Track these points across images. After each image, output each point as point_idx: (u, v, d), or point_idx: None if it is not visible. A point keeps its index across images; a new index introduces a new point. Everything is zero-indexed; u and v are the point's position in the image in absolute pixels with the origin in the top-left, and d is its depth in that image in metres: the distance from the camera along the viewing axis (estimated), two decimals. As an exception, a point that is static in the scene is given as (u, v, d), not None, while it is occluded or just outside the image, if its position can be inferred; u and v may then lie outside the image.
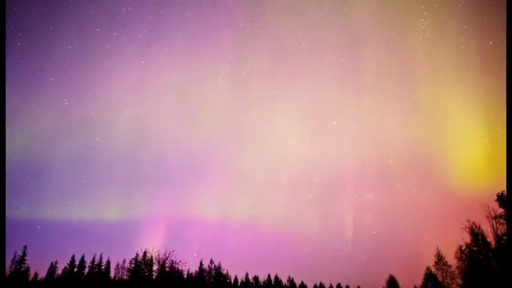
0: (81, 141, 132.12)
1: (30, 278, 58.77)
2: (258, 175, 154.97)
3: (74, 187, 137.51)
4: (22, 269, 56.11)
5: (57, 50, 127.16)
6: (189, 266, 79.66)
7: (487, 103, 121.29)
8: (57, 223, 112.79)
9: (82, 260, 60.23)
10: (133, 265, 56.89)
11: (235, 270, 78.03)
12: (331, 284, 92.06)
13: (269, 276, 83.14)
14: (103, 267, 61.92)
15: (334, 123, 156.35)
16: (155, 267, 54.46)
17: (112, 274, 63.27)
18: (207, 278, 67.42)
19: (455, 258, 44.58)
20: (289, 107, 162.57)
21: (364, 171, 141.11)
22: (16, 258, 55.59)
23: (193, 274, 67.77)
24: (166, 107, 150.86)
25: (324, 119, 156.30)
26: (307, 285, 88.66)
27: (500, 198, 36.33)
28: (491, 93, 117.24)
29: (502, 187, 37.17)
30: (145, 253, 55.93)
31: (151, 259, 54.88)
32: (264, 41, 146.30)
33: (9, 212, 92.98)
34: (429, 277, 57.03)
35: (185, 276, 66.34)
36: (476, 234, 40.54)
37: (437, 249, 53.94)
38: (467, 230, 41.25)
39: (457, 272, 47.72)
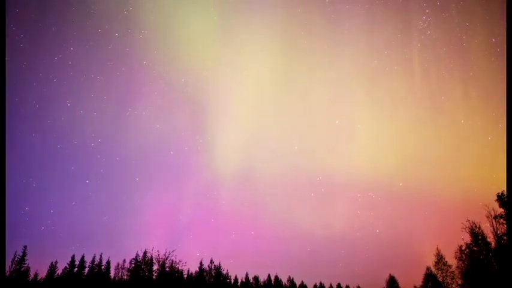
0: (83, 142, 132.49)
1: (30, 278, 58.78)
2: (260, 175, 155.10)
3: (76, 188, 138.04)
4: (22, 269, 56.10)
5: (59, 51, 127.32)
6: (189, 266, 79.86)
7: (489, 100, 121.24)
8: (59, 223, 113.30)
9: (82, 260, 60.17)
10: (133, 265, 56.90)
11: (236, 270, 78.15)
12: (331, 284, 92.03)
13: (269, 276, 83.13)
14: (103, 267, 61.87)
15: (337, 122, 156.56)
16: (155, 267, 54.49)
17: (112, 274, 63.31)
18: (207, 278, 67.38)
19: (455, 258, 44.67)
20: (290, 106, 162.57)
21: (366, 170, 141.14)
22: (16, 258, 55.61)
23: (193, 274, 67.75)
24: (168, 107, 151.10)
25: (325, 118, 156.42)
26: (307, 285, 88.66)
27: (500, 198, 36.20)
28: (494, 90, 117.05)
29: (503, 186, 37.16)
30: (145, 253, 56.02)
31: (151, 259, 54.91)
32: (261, 44, 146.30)
33: (13, 213, 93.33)
34: (429, 277, 57.00)
35: (185, 276, 66.31)
36: (476, 234, 40.45)
37: (437, 249, 54.00)
38: (467, 230, 41.18)
39: (457, 272, 47.75)
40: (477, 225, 40.73)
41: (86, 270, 60.16)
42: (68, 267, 59.35)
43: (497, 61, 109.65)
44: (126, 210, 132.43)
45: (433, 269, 54.94)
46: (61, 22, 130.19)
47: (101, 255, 62.42)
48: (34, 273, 60.02)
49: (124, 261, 65.48)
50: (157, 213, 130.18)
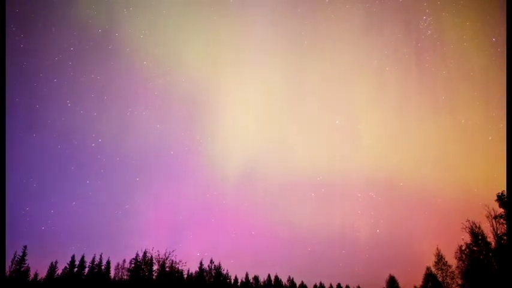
0: (83, 142, 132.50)
1: (30, 278, 58.76)
2: (260, 175, 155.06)
3: (76, 188, 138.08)
4: (22, 269, 56.10)
5: (59, 52, 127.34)
6: (189, 266, 79.74)
7: (489, 100, 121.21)
8: (60, 223, 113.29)
9: (82, 260, 60.16)
10: (133, 265, 56.90)
11: (236, 270, 78.09)
12: (331, 284, 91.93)
13: (269, 276, 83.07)
14: (103, 267, 61.86)
15: (337, 122, 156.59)
16: (155, 267, 54.52)
17: (112, 274, 63.29)
18: (207, 278, 67.35)
19: (455, 258, 44.68)
20: (289, 106, 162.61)
21: (366, 170, 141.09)
22: (16, 258, 55.61)
23: (193, 274, 67.73)
24: (168, 107, 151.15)
25: (325, 118, 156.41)
26: (307, 285, 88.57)
27: (500, 198, 36.19)
28: (495, 90, 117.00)
29: (503, 186, 37.13)
30: (145, 253, 56.06)
31: (151, 259, 54.92)
32: (261, 44, 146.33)
33: (13, 213, 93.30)
34: (429, 277, 56.96)
35: (185, 276, 66.30)
36: (476, 234, 40.44)
37: (437, 249, 53.97)
38: (467, 230, 41.18)
39: (457, 272, 47.72)
40: (477, 225, 40.76)
41: (86, 270, 60.15)
42: (68, 267, 59.34)
43: (497, 61, 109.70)
44: (126, 210, 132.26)
45: (433, 269, 54.94)
46: (61, 22, 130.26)
47: (101, 255, 62.51)
48: (34, 273, 60.16)
49: (124, 261, 65.58)
50: (158, 213, 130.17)
